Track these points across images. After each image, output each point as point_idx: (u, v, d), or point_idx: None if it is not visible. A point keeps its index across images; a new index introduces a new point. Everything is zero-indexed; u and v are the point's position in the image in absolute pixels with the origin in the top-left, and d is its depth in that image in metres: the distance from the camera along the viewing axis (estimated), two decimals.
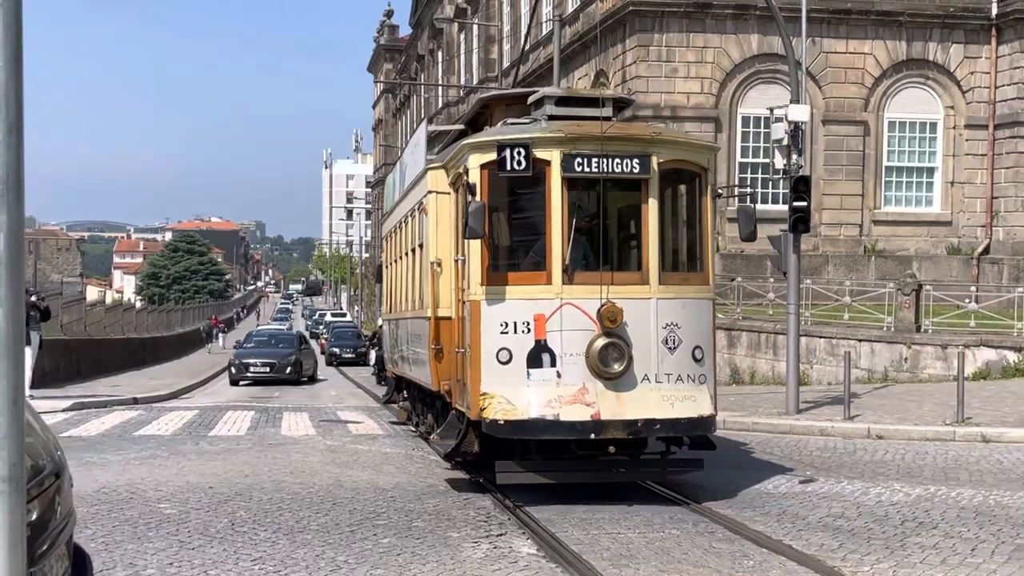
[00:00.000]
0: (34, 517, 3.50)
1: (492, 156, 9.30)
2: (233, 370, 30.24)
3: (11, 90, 2.62)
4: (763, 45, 27.64)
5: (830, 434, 14.13)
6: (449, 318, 10.38)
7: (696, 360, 9.59)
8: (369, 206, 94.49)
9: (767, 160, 27.10)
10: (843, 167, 28.54)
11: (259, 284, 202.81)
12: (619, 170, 9.41)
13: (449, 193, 10.50)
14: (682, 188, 10.24)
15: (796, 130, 15.55)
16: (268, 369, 29.85)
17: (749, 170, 27.40)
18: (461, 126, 12.35)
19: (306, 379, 30.88)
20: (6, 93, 2.61)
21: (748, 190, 11.06)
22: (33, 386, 19.90)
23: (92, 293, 73.03)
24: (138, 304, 65.16)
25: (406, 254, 13.52)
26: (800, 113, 15.55)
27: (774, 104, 16.24)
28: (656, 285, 9.49)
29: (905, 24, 28.61)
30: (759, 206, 27.00)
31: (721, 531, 8.23)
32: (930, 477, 10.77)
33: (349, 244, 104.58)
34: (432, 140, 12.80)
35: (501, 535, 8.02)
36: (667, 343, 9.43)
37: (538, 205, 9.57)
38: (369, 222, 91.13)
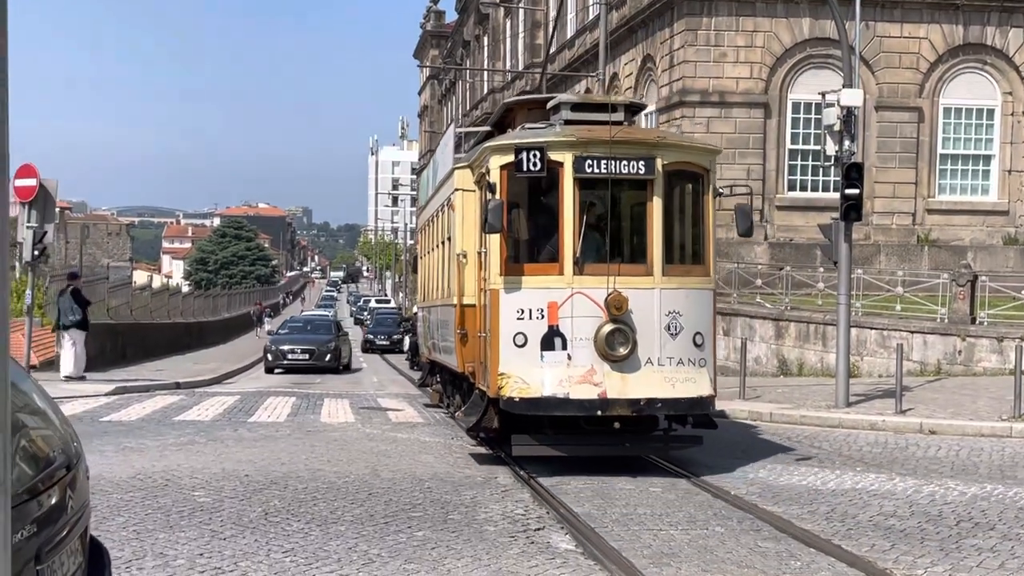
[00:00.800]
0: (42, 512, 3.34)
1: (510, 158, 10.33)
2: (269, 357, 29.28)
3: None
4: (815, 29, 27.06)
5: (881, 429, 13.77)
6: (473, 305, 11.42)
7: (697, 345, 10.63)
8: (414, 192, 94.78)
9: (818, 147, 26.57)
10: (896, 154, 27.91)
11: (305, 270, 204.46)
12: (626, 171, 10.46)
13: (474, 191, 11.50)
14: (685, 187, 11.20)
15: (848, 116, 15.13)
16: (307, 356, 28.92)
17: (799, 157, 26.89)
18: (488, 128, 13.59)
19: (342, 367, 30.15)
20: None
21: (746, 190, 11.82)
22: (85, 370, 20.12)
23: (140, 277, 73.80)
24: (185, 289, 65.86)
25: (437, 246, 14.52)
26: (853, 98, 15.12)
27: (826, 89, 15.80)
28: (660, 276, 10.55)
29: (962, 8, 27.87)
30: (809, 194, 26.82)
31: (767, 529, 7.97)
32: (986, 475, 10.41)
33: (394, 230, 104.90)
34: (460, 141, 14.08)
35: (539, 529, 7.83)
36: (669, 329, 10.50)
37: (552, 203, 10.67)
38: (413, 209, 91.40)
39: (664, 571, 6.68)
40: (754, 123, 26.60)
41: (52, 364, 23.35)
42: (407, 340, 34.03)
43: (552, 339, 10.30)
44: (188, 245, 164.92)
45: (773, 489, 9.75)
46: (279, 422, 14.62)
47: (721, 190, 11.43)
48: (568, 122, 10.97)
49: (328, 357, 29.06)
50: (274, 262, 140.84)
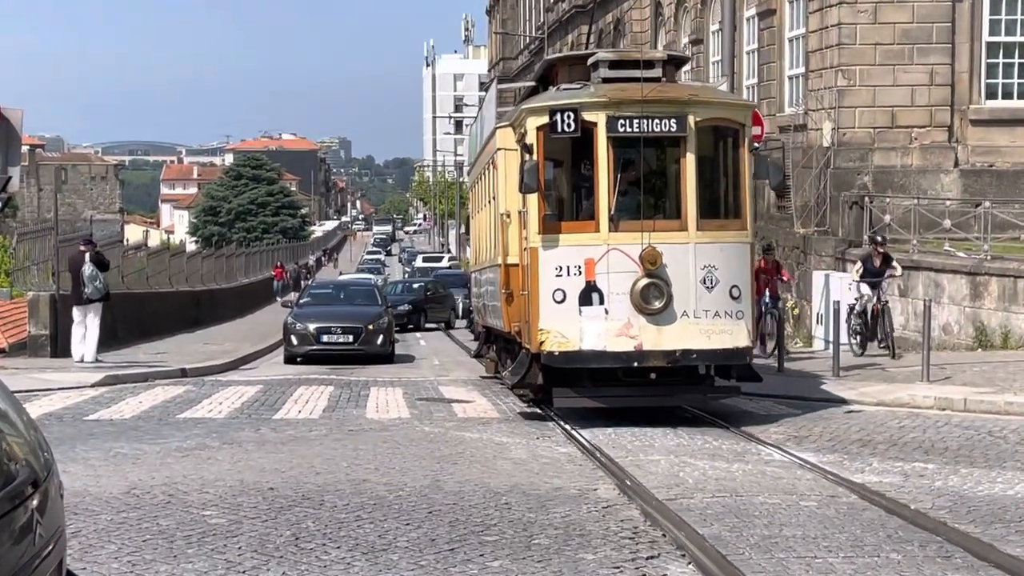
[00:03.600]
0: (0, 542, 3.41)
1: (546, 119, 13.51)
2: (294, 340, 25.91)
3: None
4: None
5: None
6: (517, 265, 14.63)
7: (733, 298, 13.75)
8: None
9: None
10: None
11: (344, 219, 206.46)
12: (659, 129, 13.56)
13: (515, 150, 14.35)
14: (720, 143, 14.42)
15: None
16: (351, 339, 25.85)
17: (1002, 53, 26.18)
18: (532, 83, 17.36)
19: (390, 351, 26.87)
20: None
21: (779, 143, 17.63)
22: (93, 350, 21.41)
23: (134, 233, 75.33)
24: (191, 247, 67.23)
25: (484, 206, 18.18)
26: None
27: None
28: (694, 231, 13.67)
29: None
30: (1016, 103, 26.14)
31: (960, 555, 7.86)
32: None
33: (458, 166, 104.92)
34: (504, 97, 18.60)
35: (651, 558, 7.83)
36: (705, 282, 13.61)
37: (588, 162, 14.03)
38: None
39: None
40: (939, 8, 25.95)
41: (25, 347, 24.00)
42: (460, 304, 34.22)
43: (590, 294, 13.50)
44: (194, 191, 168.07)
45: (968, 502, 9.61)
46: (313, 419, 14.81)
47: (756, 144, 14.68)
48: (607, 79, 13.93)
49: (380, 339, 26.26)
50: (304, 210, 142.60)
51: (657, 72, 14.13)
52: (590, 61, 14.70)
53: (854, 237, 24.95)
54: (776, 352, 19.22)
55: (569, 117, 13.30)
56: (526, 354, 14.54)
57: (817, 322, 24.56)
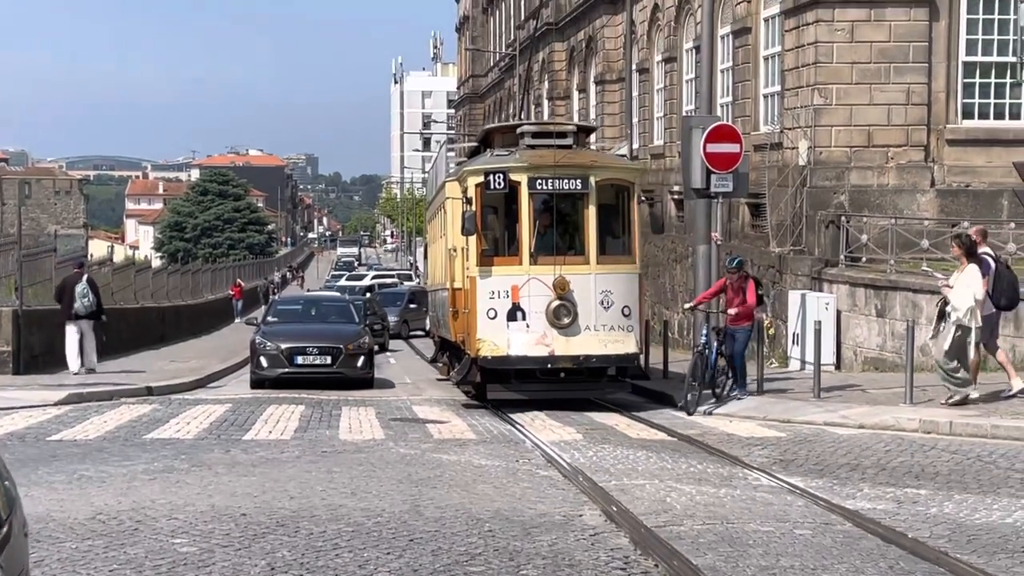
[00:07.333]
0: None
1: (482, 179, 17.80)
2: (264, 361, 23.58)
3: None
4: None
5: None
6: (461, 288, 18.80)
7: (625, 316, 17.93)
8: (452, 132, 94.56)
9: (1005, 59, 25.85)
10: None
11: (311, 236, 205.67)
12: (568, 187, 17.87)
13: (460, 199, 18.66)
14: (615, 197, 18.74)
15: None
16: (328, 360, 23.71)
17: (978, 73, 26.05)
18: (475, 144, 22.65)
19: (371, 375, 24.67)
20: None
21: (646, 200, 21.53)
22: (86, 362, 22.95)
23: (98, 248, 74.40)
24: (156, 263, 66.46)
25: (438, 239, 23.04)
26: None
27: None
28: (595, 264, 17.87)
29: None
30: (992, 123, 26.07)
31: None
32: None
33: (426, 183, 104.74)
34: (458, 153, 24.85)
35: None
36: (603, 304, 17.75)
37: (513, 211, 18.26)
38: (453, 153, 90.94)
39: None
40: (916, 27, 25.80)
41: None
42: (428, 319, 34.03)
43: (515, 313, 17.58)
44: (159, 206, 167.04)
45: (967, 530, 9.36)
46: (284, 439, 14.52)
47: (643, 197, 20.19)
48: (531, 146, 18.29)
49: (361, 362, 24.04)
50: (271, 227, 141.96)
51: (569, 141, 18.51)
52: (518, 131, 18.92)
53: (830, 256, 24.75)
54: (726, 392, 18.17)
55: (500, 177, 17.50)
56: (468, 358, 18.51)
57: (793, 342, 24.31)
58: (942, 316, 15.99)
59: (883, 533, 9.17)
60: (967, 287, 15.70)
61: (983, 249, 16.79)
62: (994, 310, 16.62)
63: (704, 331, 18.13)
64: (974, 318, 15.60)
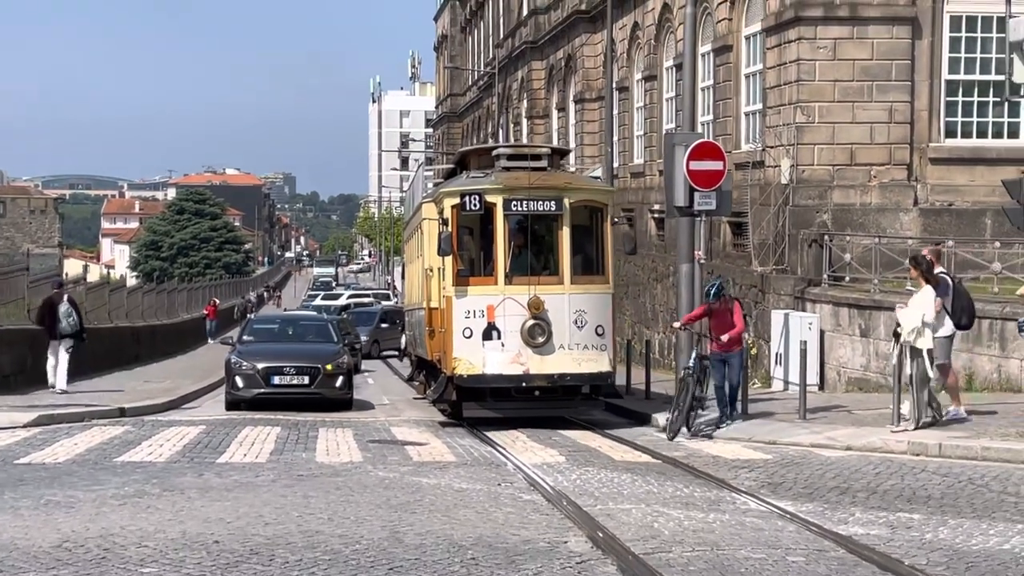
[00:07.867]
0: None
1: (458, 200, 18.06)
2: (240, 381, 22.80)
3: None
4: None
5: None
6: (437, 308, 18.91)
7: (599, 335, 18.15)
8: (431, 151, 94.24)
9: (986, 77, 25.71)
10: None
11: (288, 255, 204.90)
12: (542, 208, 18.07)
13: (437, 220, 18.76)
14: (588, 218, 18.92)
15: None
16: (307, 380, 22.84)
17: (961, 91, 25.93)
18: (452, 165, 22.87)
19: (349, 397, 23.75)
20: None
21: (623, 221, 21.53)
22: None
23: (73, 267, 73.96)
24: (132, 282, 66.03)
25: (415, 259, 23.12)
26: None
27: None
28: (569, 284, 18.12)
29: None
30: (975, 142, 25.93)
31: None
32: None
33: (404, 202, 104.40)
34: (435, 174, 25.76)
35: None
36: (577, 323, 17.96)
37: (489, 232, 18.42)
38: (430, 173, 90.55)
39: None
40: (898, 45, 25.69)
41: None
42: (403, 338, 32.20)
43: (490, 332, 17.75)
44: (135, 225, 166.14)
45: (964, 557, 9.10)
46: (259, 463, 14.19)
47: (616, 219, 20.14)
48: (506, 168, 18.53)
49: (340, 382, 23.11)
50: (247, 246, 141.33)
51: (544, 163, 18.71)
52: (494, 153, 19.18)
53: (813, 275, 24.55)
54: (709, 424, 17.69)
55: (476, 199, 17.81)
56: (444, 377, 18.71)
57: (776, 362, 24.09)
58: (897, 338, 15.86)
59: (879, 560, 8.90)
60: (918, 308, 15.58)
61: (938, 269, 16.65)
62: (954, 330, 16.41)
63: (693, 356, 17.37)
64: (921, 337, 15.43)
